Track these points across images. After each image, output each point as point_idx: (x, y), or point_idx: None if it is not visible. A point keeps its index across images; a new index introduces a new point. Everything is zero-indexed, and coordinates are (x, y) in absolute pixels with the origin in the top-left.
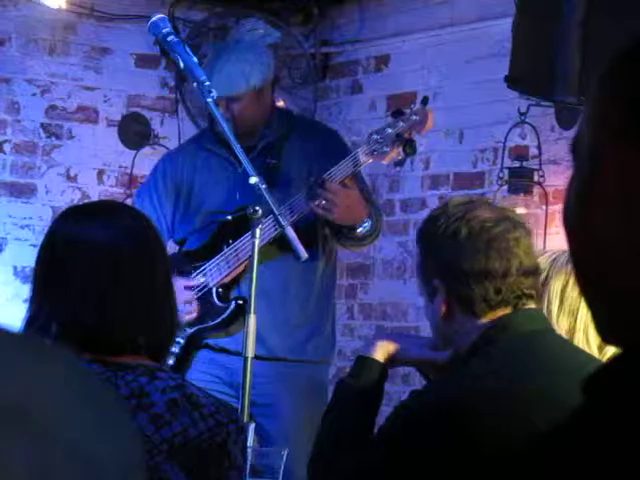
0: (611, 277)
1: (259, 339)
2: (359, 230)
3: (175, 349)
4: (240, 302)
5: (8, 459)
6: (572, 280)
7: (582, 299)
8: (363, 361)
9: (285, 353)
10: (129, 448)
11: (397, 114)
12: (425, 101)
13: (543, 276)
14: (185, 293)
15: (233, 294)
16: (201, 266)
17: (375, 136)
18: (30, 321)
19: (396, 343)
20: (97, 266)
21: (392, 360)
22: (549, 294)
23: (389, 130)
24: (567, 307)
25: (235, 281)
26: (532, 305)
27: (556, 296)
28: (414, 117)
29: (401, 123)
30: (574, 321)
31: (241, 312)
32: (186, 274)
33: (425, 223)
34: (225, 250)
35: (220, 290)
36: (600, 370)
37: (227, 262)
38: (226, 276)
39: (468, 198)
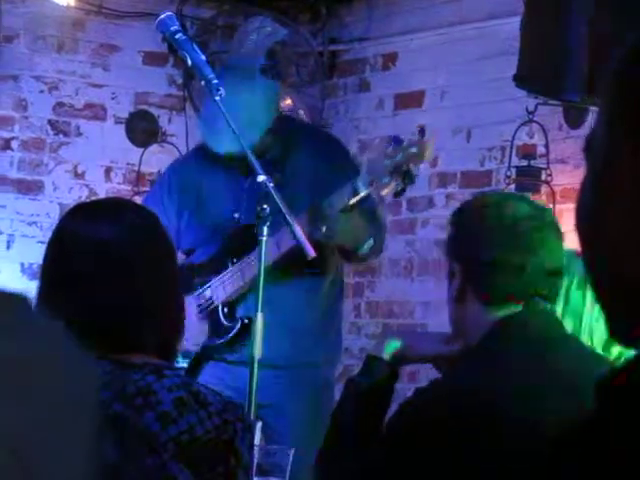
0: (622, 274)
1: (263, 352)
2: (360, 252)
3: (184, 364)
4: (246, 321)
5: (13, 409)
6: (576, 281)
7: (586, 300)
8: (373, 360)
9: (289, 362)
10: (89, 385)
11: (395, 143)
12: (423, 132)
13: None
14: (196, 312)
15: (239, 312)
16: (207, 282)
17: (373, 166)
18: None
19: (406, 341)
20: (104, 263)
21: (403, 358)
22: None
23: (387, 162)
24: (571, 308)
25: (241, 299)
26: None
27: (560, 297)
28: (412, 150)
29: (399, 156)
30: (579, 322)
31: (247, 331)
32: (193, 290)
33: (462, 206)
34: (230, 268)
35: (226, 309)
36: (612, 372)
37: (232, 281)
38: (231, 295)
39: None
